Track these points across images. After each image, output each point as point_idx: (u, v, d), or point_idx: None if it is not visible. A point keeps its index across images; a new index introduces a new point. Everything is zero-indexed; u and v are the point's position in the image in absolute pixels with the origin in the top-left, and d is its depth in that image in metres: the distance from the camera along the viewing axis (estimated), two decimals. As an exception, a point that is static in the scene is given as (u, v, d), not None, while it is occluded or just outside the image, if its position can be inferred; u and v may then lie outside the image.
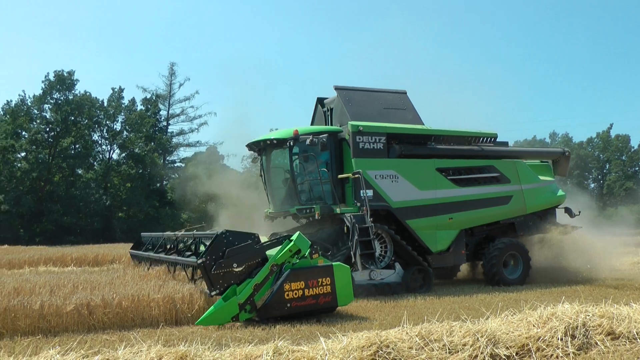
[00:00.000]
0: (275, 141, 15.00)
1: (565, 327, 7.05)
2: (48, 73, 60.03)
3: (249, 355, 6.21)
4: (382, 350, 6.19)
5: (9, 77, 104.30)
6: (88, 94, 61.27)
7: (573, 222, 17.71)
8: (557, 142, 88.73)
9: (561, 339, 6.85)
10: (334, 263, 10.75)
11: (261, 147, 15.68)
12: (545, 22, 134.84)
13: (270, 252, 10.54)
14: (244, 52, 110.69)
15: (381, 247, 14.54)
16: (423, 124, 16.23)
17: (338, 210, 14.24)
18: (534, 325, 7.20)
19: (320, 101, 16.99)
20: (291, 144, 14.53)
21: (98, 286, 10.85)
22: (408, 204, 14.98)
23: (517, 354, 6.59)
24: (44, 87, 58.94)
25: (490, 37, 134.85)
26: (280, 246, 10.52)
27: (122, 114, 63.25)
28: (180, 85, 65.02)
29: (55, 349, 6.36)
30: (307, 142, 14.21)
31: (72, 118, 58.04)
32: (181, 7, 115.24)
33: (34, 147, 56.34)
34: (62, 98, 58.84)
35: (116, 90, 64.08)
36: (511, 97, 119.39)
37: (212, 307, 9.83)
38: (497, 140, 17.30)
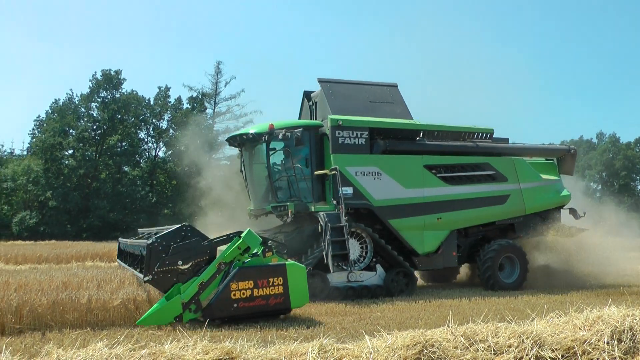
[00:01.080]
0: (251, 136, 14.32)
1: (611, 331, 6.87)
2: (95, 72, 61.21)
3: (294, 353, 6.21)
4: (427, 350, 6.14)
5: (57, 77, 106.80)
6: (135, 92, 62.37)
7: (578, 223, 16.64)
8: (604, 143, 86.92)
9: (607, 343, 6.69)
10: (287, 262, 10.12)
11: (240, 142, 15.06)
12: (593, 17, 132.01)
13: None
14: (289, 48, 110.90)
15: (361, 248, 13.87)
16: (412, 119, 15.34)
17: (313, 209, 13.68)
18: (579, 328, 7.04)
19: (307, 95, 16.33)
20: (266, 138, 13.82)
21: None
22: (392, 202, 14.22)
23: (562, 356, 6.46)
24: (91, 85, 60.23)
25: (536, 33, 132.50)
26: (230, 243, 10.04)
27: (169, 112, 64.11)
28: (227, 83, 65.38)
29: (103, 342, 6.46)
30: (280, 136, 13.66)
31: (119, 116, 59.20)
32: (228, 5, 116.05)
33: (81, 144, 57.67)
34: (109, 97, 60.08)
35: (162, 89, 65.07)
36: (557, 96, 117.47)
37: (154, 306, 9.44)
38: (497, 136, 16.56)
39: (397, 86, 16.09)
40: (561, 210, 16.74)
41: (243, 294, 9.56)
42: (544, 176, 16.44)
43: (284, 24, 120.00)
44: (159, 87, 66.25)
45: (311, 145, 14.21)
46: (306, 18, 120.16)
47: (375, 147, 14.34)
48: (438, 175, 14.86)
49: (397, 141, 14.69)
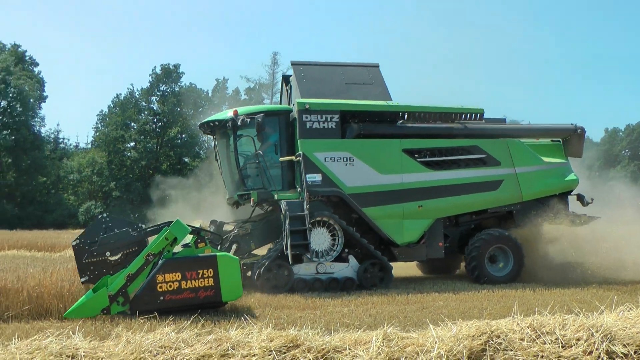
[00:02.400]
0: (217, 122, 13.81)
1: (690, 326, 6.62)
2: (155, 67, 62.54)
3: (358, 341, 6.20)
4: (492, 340, 6.03)
5: (119, 72, 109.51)
6: (193, 85, 63.39)
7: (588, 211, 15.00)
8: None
9: (686, 339, 6.44)
10: (218, 253, 9.59)
11: (211, 130, 14.39)
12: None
13: None
14: (345, 36, 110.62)
15: (333, 238, 12.99)
16: (390, 100, 14.25)
17: (276, 197, 13.03)
18: (654, 323, 6.80)
19: (286, 79, 15.77)
20: (229, 125, 13.25)
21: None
22: (365, 189, 13.26)
23: (635, 352, 6.24)
24: (151, 80, 61.48)
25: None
26: (159, 234, 9.63)
27: (227, 104, 64.90)
28: (283, 74, 65.78)
29: (170, 327, 6.63)
30: (239, 122, 13.04)
31: (178, 109, 60.30)
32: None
33: (143, 137, 59.16)
34: (168, 90, 61.20)
35: (220, 81, 65.89)
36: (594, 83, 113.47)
37: (81, 299, 9.13)
38: (493, 117, 15.39)
39: (378, 66, 15.10)
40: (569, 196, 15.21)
41: (170, 286, 9.12)
42: (546, 159, 14.97)
43: (338, 13, 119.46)
44: (217, 80, 67.14)
45: (281, 131, 13.54)
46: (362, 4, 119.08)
47: (348, 131, 13.53)
48: (419, 160, 13.78)
49: (374, 124, 13.81)
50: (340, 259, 12.97)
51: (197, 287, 9.21)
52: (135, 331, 6.55)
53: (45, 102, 63.33)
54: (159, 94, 61.34)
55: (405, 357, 5.80)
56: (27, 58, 63.47)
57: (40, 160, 55.29)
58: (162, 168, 59.22)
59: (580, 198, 15.12)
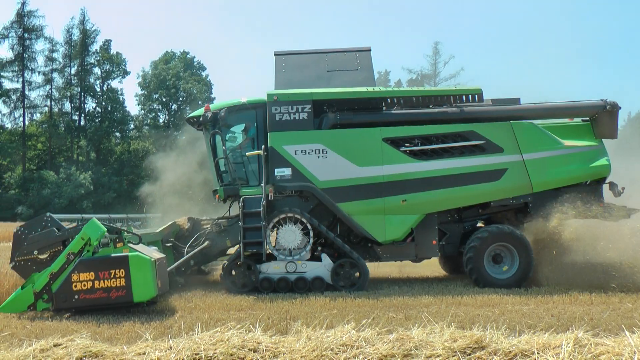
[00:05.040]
0: (194, 119, 13.51)
1: None
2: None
3: (546, 344, 5.85)
4: None
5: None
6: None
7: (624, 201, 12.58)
8: None
9: None
10: (130, 254, 9.50)
11: (197, 125, 13.86)
12: None
13: None
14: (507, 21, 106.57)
15: (306, 235, 12.17)
16: (374, 86, 13.06)
17: (241, 193, 12.52)
18: None
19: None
20: (201, 120, 12.88)
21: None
22: (340, 183, 12.27)
23: None
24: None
25: None
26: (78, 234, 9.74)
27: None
28: (445, 63, 64.58)
29: (350, 325, 6.62)
30: (201, 118, 12.71)
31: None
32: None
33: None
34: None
35: (382, 73, 66.05)
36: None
37: (12, 295, 9.66)
38: (504, 98, 13.31)
39: (369, 50, 13.92)
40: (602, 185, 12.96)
41: (84, 285, 9.31)
42: (568, 142, 12.88)
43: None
44: (378, 72, 67.28)
45: (257, 125, 12.87)
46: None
47: (324, 121, 12.60)
48: (401, 149, 12.48)
49: (353, 113, 12.71)
50: (316, 257, 12.31)
51: (109, 287, 9.33)
52: (315, 327, 6.60)
53: (212, 103, 66.97)
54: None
55: (598, 366, 5.37)
56: (195, 63, 67.48)
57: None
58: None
59: (612, 187, 12.79)
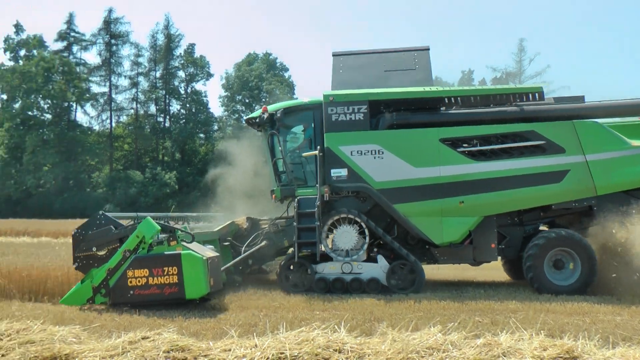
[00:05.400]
0: (254, 120, 13.40)
1: None
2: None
3: (642, 360, 5.59)
4: None
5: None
6: (439, 79, 63.40)
7: None
8: None
9: None
10: (182, 252, 9.78)
11: (256, 126, 13.81)
12: None
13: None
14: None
15: (362, 237, 12.03)
16: (432, 85, 12.72)
17: (297, 193, 12.52)
18: None
19: None
20: (258, 121, 12.96)
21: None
22: (396, 184, 12.04)
23: None
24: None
25: None
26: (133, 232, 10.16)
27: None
28: (531, 60, 63.07)
29: (437, 328, 6.52)
30: (258, 119, 12.77)
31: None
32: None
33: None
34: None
35: (465, 72, 65.14)
36: None
37: (73, 288, 10.18)
38: (567, 96, 12.77)
39: (428, 49, 13.64)
40: None
41: (139, 281, 9.72)
42: (635, 142, 12.12)
43: None
44: (462, 72, 66.42)
45: (315, 125, 12.76)
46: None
47: (381, 121, 12.41)
48: (459, 150, 12.15)
49: (411, 113, 12.45)
50: (372, 258, 12.19)
51: (163, 284, 9.69)
52: (400, 329, 6.54)
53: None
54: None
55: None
56: (278, 64, 68.37)
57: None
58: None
59: None
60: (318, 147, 12.32)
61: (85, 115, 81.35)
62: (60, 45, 65.81)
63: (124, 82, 65.91)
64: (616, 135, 12.11)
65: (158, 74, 66.61)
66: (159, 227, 10.20)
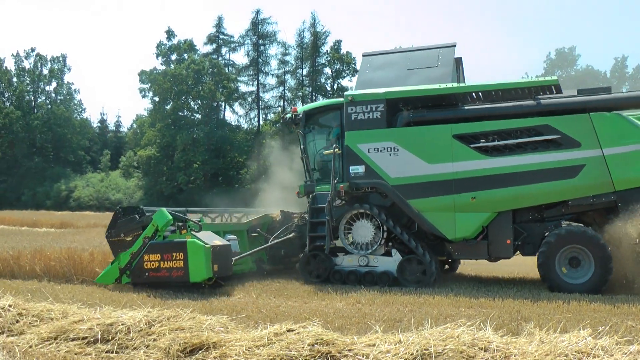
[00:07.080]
0: (285, 119, 14.34)
1: None
2: (550, 52, 61.38)
3: None
4: None
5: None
6: (590, 67, 60.41)
7: None
8: None
9: None
10: (188, 240, 10.95)
11: (293, 125, 14.47)
12: None
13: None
14: None
15: (378, 231, 12.57)
16: (450, 82, 12.68)
17: (316, 190, 13.39)
18: None
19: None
20: (288, 121, 14.06)
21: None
22: (411, 180, 12.28)
23: None
24: (545, 67, 60.37)
25: None
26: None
27: (627, 84, 60.41)
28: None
29: (587, 331, 6.29)
30: (289, 119, 13.80)
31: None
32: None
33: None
34: (563, 75, 59.36)
35: (619, 59, 61.51)
36: None
37: (105, 269, 11.86)
38: (592, 88, 12.04)
39: (454, 46, 13.70)
40: None
41: (152, 264, 11.10)
42: None
43: None
44: (615, 59, 62.70)
45: (342, 125, 13.19)
46: None
47: (399, 119, 12.65)
48: (472, 145, 12.05)
49: (428, 110, 12.60)
50: (389, 253, 12.63)
51: (171, 268, 10.98)
52: (548, 330, 6.37)
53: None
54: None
55: None
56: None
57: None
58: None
59: None
60: (334, 145, 12.96)
61: (233, 114, 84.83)
62: (209, 48, 69.54)
63: (271, 80, 68.26)
64: (636, 127, 11.47)
65: (305, 72, 68.19)
66: (171, 218, 11.43)
